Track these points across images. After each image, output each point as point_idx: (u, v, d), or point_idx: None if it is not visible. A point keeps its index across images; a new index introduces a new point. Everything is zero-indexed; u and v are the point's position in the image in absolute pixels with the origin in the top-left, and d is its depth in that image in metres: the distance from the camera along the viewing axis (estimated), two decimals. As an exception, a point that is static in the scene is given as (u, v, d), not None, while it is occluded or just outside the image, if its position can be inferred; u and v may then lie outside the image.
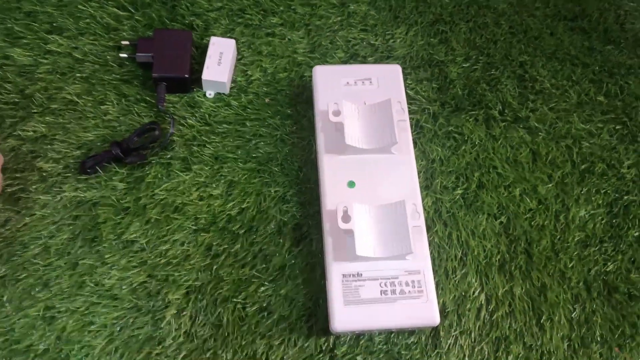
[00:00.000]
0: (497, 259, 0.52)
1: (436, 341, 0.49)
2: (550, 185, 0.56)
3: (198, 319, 0.48)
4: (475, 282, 0.51)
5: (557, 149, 0.58)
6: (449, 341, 0.49)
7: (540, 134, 0.58)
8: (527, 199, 0.55)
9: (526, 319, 0.50)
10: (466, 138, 0.57)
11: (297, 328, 0.48)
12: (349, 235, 0.47)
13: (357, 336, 0.48)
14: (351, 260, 0.47)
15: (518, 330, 0.49)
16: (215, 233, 0.51)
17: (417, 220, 0.47)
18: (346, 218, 0.46)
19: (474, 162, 0.56)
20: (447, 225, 0.53)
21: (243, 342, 0.47)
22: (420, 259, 0.47)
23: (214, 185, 0.53)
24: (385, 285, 0.46)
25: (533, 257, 0.52)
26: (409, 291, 0.46)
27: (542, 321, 0.50)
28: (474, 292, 0.50)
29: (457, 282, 0.51)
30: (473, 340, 0.49)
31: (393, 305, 0.45)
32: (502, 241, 0.53)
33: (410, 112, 0.57)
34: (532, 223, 0.54)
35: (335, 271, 0.47)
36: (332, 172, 0.50)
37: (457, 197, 0.54)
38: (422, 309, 0.46)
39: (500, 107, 0.59)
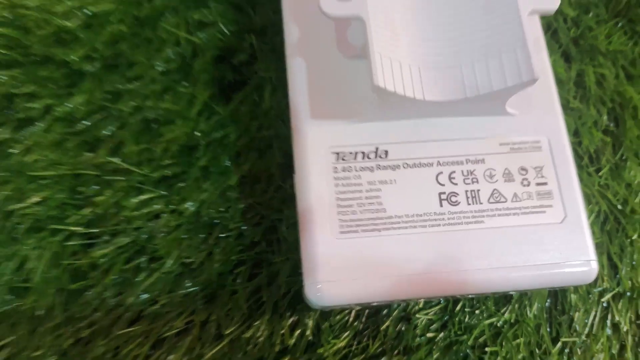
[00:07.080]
0: (690, 126, 0.23)
1: (560, 318, 0.20)
2: None
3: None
4: (646, 178, 0.22)
5: None
6: (593, 314, 0.20)
7: None
8: None
9: None
10: None
11: (222, 297, 0.19)
12: (350, 53, 0.18)
13: (376, 311, 0.20)
14: (357, 116, 0.17)
15: None
16: (20, 69, 0.21)
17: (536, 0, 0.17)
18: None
19: None
20: (571, 57, 0.23)
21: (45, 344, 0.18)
22: (542, 111, 0.18)
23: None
24: (452, 179, 0.17)
25: None
26: (517, 195, 0.17)
27: None
28: (643, 202, 0.21)
29: (604, 179, 0.22)
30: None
31: (471, 233, 0.17)
32: (698, 87, 0.23)
33: None
34: None
35: (317, 146, 0.17)
36: None
37: (591, -5, 0.24)
38: (552, 241, 0.17)
39: None
